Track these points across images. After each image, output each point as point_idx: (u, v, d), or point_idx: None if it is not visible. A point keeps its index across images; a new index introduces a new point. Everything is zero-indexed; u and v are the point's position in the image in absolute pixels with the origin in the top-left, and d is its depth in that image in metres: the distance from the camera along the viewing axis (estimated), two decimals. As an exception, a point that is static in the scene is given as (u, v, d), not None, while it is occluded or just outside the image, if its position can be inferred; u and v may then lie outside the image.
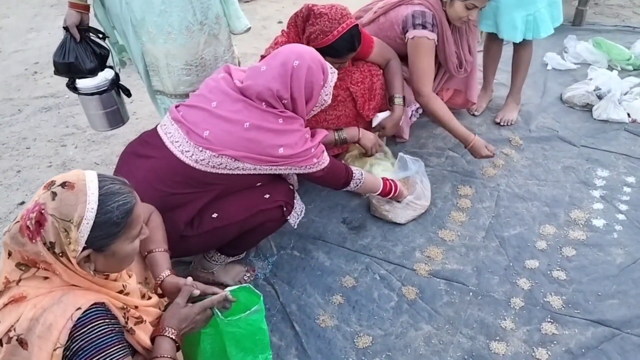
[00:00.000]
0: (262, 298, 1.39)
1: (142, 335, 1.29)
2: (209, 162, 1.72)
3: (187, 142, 1.73)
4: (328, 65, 1.92)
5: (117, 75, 2.33)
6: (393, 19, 2.53)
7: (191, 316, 1.35)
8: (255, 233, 1.98)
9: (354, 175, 2.10)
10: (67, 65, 2.17)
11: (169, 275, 1.50)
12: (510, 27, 2.71)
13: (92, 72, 2.21)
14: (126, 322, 1.24)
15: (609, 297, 2.01)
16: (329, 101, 1.95)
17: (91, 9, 2.19)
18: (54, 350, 1.09)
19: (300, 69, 1.79)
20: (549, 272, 2.12)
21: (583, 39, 3.75)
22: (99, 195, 1.16)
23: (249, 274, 2.16)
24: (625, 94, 3.09)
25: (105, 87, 2.25)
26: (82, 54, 2.16)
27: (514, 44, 2.88)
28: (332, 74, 1.93)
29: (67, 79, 2.24)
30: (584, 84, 3.23)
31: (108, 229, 1.17)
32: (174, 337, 1.31)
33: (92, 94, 2.25)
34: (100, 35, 2.26)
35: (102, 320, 1.15)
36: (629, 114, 2.99)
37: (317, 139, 1.90)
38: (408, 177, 2.44)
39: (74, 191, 1.15)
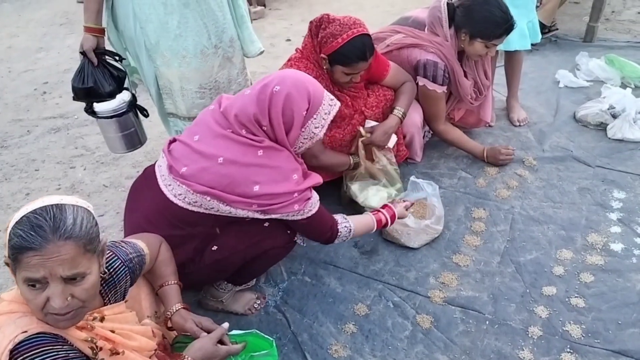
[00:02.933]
0: (274, 343, 1.36)
1: None
2: (185, 197, 1.66)
3: (168, 175, 1.71)
4: (328, 96, 1.77)
5: (133, 96, 2.32)
6: (405, 58, 2.56)
7: (216, 357, 1.37)
8: (262, 260, 1.90)
9: (339, 233, 1.90)
10: (86, 90, 2.17)
11: (179, 309, 1.48)
12: (521, 37, 2.95)
13: (111, 95, 2.21)
14: (95, 354, 1.17)
15: (630, 326, 1.95)
16: (321, 135, 1.77)
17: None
18: None
19: (279, 95, 1.65)
20: (567, 300, 2.06)
21: (595, 56, 3.71)
22: (24, 215, 1.09)
23: (259, 302, 2.11)
24: (640, 112, 3.04)
25: (124, 110, 2.26)
26: (100, 78, 2.16)
27: (506, 52, 3.10)
28: (331, 106, 1.77)
29: (85, 104, 2.24)
30: (598, 102, 3.18)
31: (11, 251, 1.08)
32: None
33: (110, 117, 2.24)
34: (117, 58, 2.25)
35: (51, 347, 1.08)
36: (644, 133, 2.94)
37: (305, 184, 1.71)
38: (421, 198, 2.40)
39: (27, 206, 1.12)
